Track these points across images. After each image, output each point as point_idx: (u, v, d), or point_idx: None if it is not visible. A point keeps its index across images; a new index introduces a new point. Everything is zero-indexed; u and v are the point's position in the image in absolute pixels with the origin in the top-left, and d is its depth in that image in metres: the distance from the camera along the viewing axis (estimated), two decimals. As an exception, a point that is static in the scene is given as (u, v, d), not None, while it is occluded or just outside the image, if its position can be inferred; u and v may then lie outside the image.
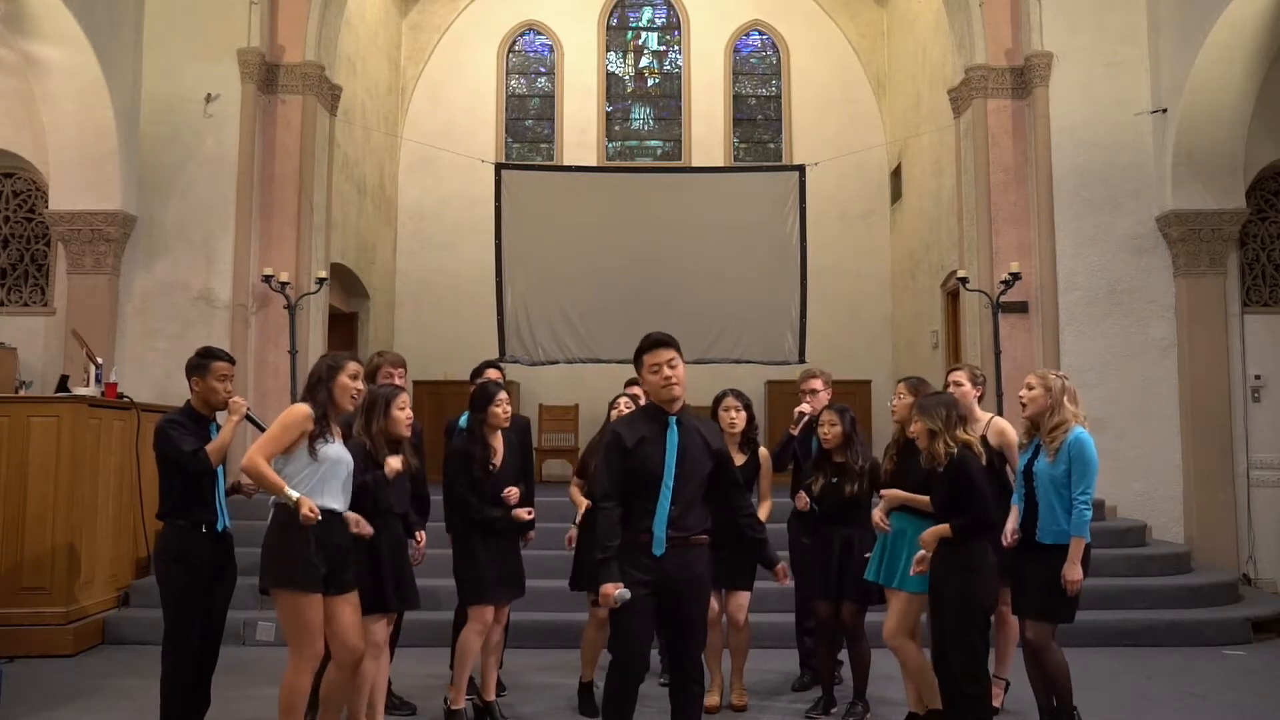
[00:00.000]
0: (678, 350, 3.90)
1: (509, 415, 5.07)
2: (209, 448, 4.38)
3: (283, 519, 3.98)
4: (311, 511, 3.87)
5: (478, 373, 5.62)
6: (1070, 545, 4.42)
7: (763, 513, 5.31)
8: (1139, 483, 8.98)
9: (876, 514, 4.87)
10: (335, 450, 4.09)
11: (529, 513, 5.02)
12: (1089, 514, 4.44)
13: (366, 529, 4.29)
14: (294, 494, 3.92)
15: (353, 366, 4.19)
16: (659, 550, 3.74)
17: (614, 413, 5.39)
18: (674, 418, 3.86)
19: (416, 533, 4.92)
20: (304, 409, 4.04)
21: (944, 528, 4.25)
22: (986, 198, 9.52)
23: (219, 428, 4.54)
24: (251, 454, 3.95)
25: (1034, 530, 4.55)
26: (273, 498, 4.06)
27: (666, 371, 3.84)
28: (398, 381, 5.12)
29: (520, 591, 5.10)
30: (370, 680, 4.43)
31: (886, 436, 5.46)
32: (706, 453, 3.87)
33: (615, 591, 3.66)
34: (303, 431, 4.01)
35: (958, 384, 5.22)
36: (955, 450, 4.26)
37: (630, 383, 5.83)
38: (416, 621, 5.72)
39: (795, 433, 5.73)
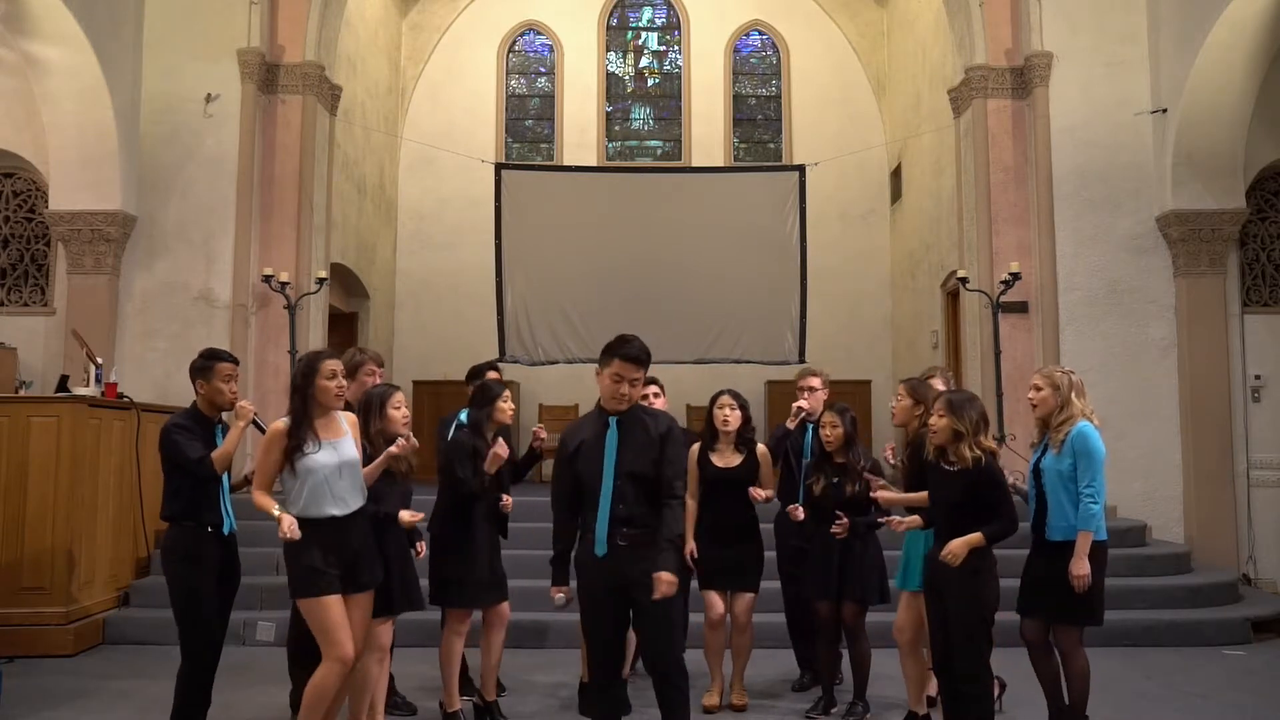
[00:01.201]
0: (645, 370, 3.94)
1: (513, 411, 5.09)
2: (214, 455, 4.36)
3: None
4: (288, 531, 3.87)
5: (477, 373, 5.61)
6: (1077, 539, 4.39)
7: (764, 495, 5.29)
8: (1139, 483, 8.98)
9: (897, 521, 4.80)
10: (322, 458, 4.02)
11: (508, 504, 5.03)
12: (1096, 508, 4.40)
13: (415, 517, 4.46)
14: (276, 512, 3.95)
15: (328, 366, 4.12)
16: (600, 550, 3.81)
17: None
18: (615, 417, 3.90)
19: (418, 543, 4.90)
20: (277, 427, 4.05)
21: (976, 537, 4.16)
22: (986, 198, 9.52)
23: (224, 429, 4.54)
24: (254, 490, 4.06)
25: (1044, 529, 4.53)
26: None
27: (626, 389, 3.88)
28: (379, 378, 5.11)
29: (503, 594, 5.07)
30: (373, 681, 4.44)
31: (886, 436, 5.46)
32: (649, 444, 3.87)
33: (556, 595, 3.91)
34: (282, 448, 4.00)
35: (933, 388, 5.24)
36: (983, 457, 4.22)
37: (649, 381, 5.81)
38: (416, 621, 5.70)
39: (791, 427, 5.75)
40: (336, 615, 3.97)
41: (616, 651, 3.91)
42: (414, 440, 4.38)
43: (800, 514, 5.23)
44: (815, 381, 5.83)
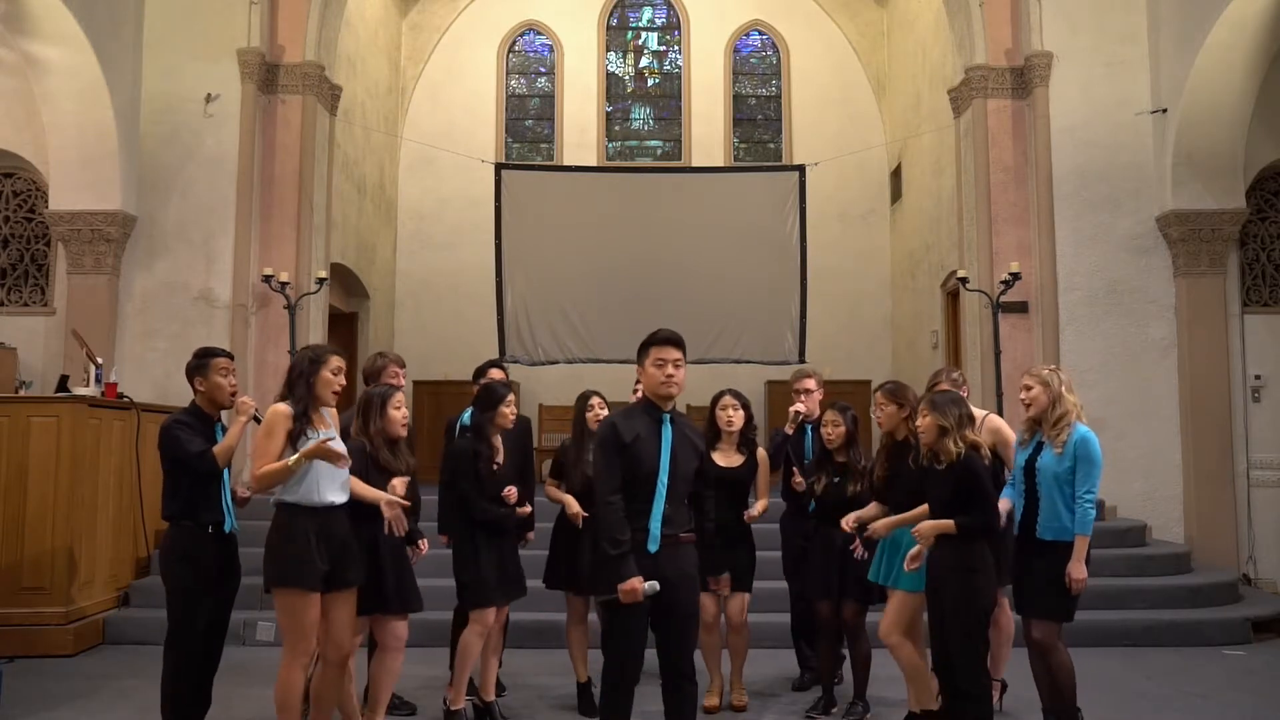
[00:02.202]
0: (684, 353, 3.94)
1: (515, 415, 5.08)
2: (216, 449, 4.36)
3: (284, 519, 3.99)
4: (320, 447, 3.90)
5: (481, 373, 5.61)
6: (1075, 543, 4.40)
7: (758, 509, 5.34)
8: (1139, 483, 8.98)
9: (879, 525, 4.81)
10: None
11: (528, 509, 5.03)
12: (1094, 512, 4.43)
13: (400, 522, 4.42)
14: (293, 457, 3.93)
15: (335, 361, 4.16)
16: (653, 547, 3.76)
17: (589, 414, 5.38)
18: (667, 415, 3.90)
19: (419, 541, 4.84)
20: (283, 409, 4.04)
21: (946, 523, 4.20)
22: (986, 198, 9.52)
23: (224, 428, 4.54)
24: (254, 472, 4.01)
25: (1034, 527, 4.54)
26: (272, 498, 4.07)
27: (670, 370, 3.87)
28: (401, 380, 5.13)
29: (521, 591, 5.11)
30: (352, 679, 4.44)
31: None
32: (695, 452, 3.94)
33: (644, 585, 3.64)
34: (286, 430, 4.00)
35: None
36: (964, 451, 4.24)
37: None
38: (415, 621, 5.68)
39: (790, 432, 5.74)
40: (313, 614, 3.97)
41: (639, 657, 3.85)
42: (402, 521, 4.38)
43: (801, 483, 5.26)
44: (810, 383, 5.83)
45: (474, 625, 4.91)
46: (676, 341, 3.91)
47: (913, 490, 4.63)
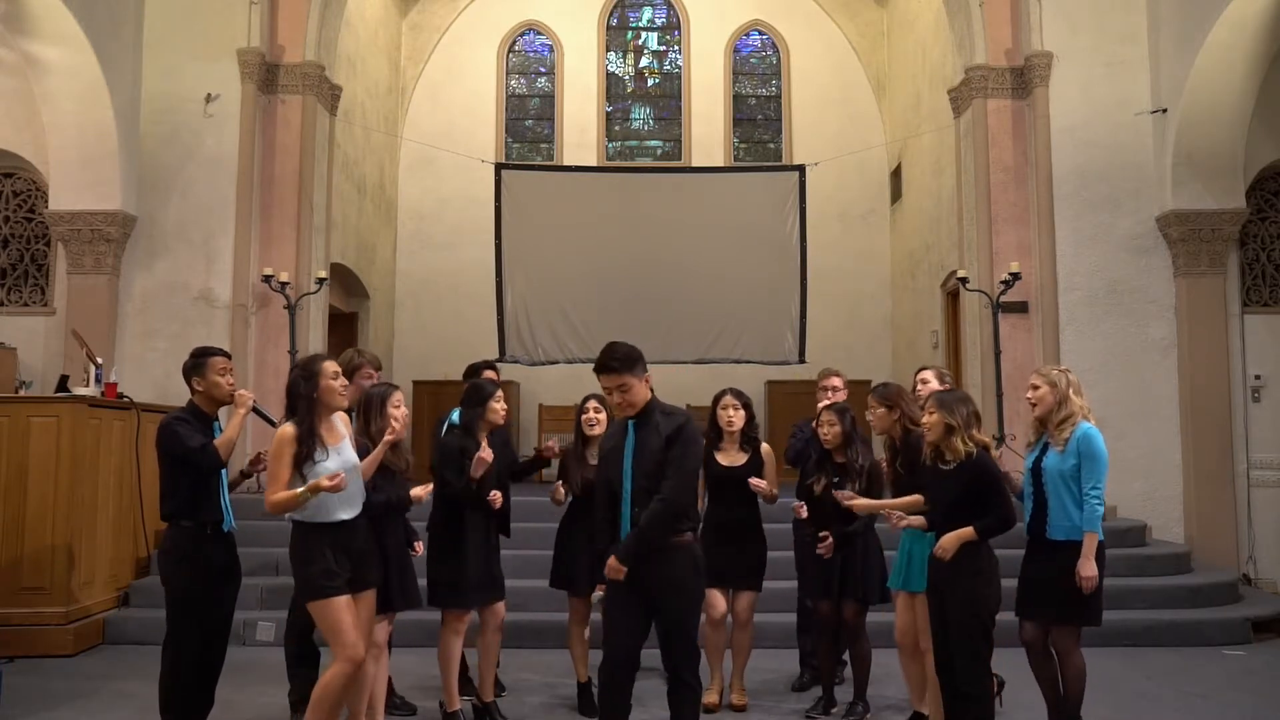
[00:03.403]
0: (629, 372, 3.88)
1: (506, 412, 5.06)
2: (217, 442, 4.35)
3: (299, 536, 4.01)
4: (329, 481, 3.84)
5: (475, 371, 5.60)
6: (1084, 540, 4.38)
7: (767, 489, 5.29)
8: (1139, 483, 8.97)
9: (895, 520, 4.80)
10: (331, 465, 3.98)
11: (496, 498, 4.88)
12: (1101, 509, 4.41)
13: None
14: (303, 488, 3.88)
15: (329, 368, 4.11)
16: None
17: (583, 417, 5.38)
18: (632, 421, 3.95)
19: (415, 542, 4.91)
20: (288, 432, 3.98)
21: (966, 531, 4.16)
22: (986, 198, 9.52)
23: (221, 427, 4.52)
24: (268, 498, 3.95)
25: (1043, 529, 4.52)
26: (286, 515, 4.07)
27: (616, 398, 3.92)
28: (375, 382, 5.10)
29: (498, 595, 5.05)
30: (370, 679, 4.43)
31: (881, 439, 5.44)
32: (658, 443, 3.86)
33: (596, 593, 4.00)
34: (292, 453, 3.96)
35: (924, 381, 5.29)
36: (974, 450, 4.23)
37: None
38: (416, 622, 5.71)
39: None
40: (349, 616, 3.98)
41: (632, 650, 3.89)
42: (400, 429, 4.48)
43: (804, 512, 5.22)
44: (837, 381, 5.86)
45: (451, 625, 4.90)
46: (605, 368, 3.89)
47: (906, 491, 4.65)
